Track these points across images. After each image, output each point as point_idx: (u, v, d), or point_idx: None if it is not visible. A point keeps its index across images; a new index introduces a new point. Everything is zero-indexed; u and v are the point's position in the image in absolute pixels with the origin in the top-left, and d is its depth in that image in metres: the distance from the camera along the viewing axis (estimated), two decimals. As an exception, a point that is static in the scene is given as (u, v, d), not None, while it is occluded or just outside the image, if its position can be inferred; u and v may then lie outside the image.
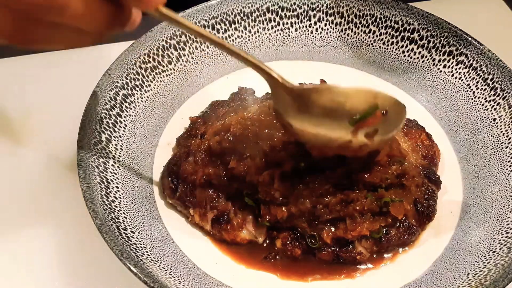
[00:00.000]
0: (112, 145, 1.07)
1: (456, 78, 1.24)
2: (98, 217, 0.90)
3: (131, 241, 0.93)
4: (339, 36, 1.35)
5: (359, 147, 0.90)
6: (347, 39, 1.35)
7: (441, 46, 1.26)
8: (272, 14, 1.33)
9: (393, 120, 0.91)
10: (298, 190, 0.97)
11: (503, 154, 1.11)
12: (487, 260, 0.95)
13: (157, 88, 1.21)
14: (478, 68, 1.20)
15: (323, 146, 0.91)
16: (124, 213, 0.98)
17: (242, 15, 1.31)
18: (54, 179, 1.17)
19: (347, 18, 1.33)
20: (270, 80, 0.87)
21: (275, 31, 1.34)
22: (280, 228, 1.02)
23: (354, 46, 1.35)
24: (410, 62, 1.30)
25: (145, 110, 1.18)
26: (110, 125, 1.09)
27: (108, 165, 1.03)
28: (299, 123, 0.89)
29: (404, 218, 1.01)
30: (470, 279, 0.93)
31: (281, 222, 0.99)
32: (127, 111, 1.14)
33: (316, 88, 0.88)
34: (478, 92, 1.20)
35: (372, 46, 1.33)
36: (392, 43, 1.32)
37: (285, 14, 1.34)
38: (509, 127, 1.12)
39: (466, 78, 1.22)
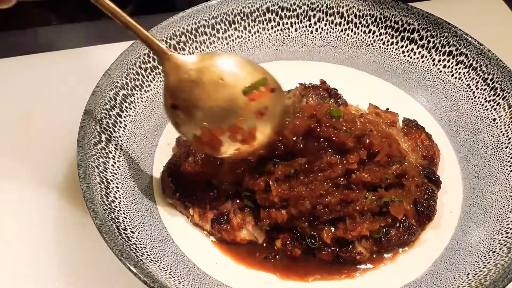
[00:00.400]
0: (112, 145, 1.07)
1: (456, 78, 1.24)
2: (98, 217, 0.90)
3: (131, 241, 0.93)
4: (339, 36, 1.35)
5: (248, 132, 0.91)
6: (347, 39, 1.35)
7: (441, 46, 1.26)
8: (272, 14, 1.33)
9: (277, 103, 0.93)
10: (298, 191, 0.97)
11: (503, 154, 1.11)
12: (487, 260, 0.95)
13: (157, 88, 1.21)
14: (478, 68, 1.20)
15: (217, 123, 0.91)
16: (124, 213, 0.98)
17: (242, 15, 1.31)
18: (54, 179, 1.17)
19: (347, 18, 1.33)
20: (162, 55, 0.89)
21: (275, 31, 1.34)
22: (280, 229, 1.02)
23: (354, 46, 1.34)
24: (410, 62, 1.30)
25: (145, 110, 1.18)
26: (110, 125, 1.09)
27: (108, 165, 1.03)
28: (194, 101, 0.90)
29: (404, 218, 1.01)
30: (470, 279, 0.93)
31: (281, 224, 0.99)
32: (127, 111, 1.14)
33: (211, 55, 0.91)
34: (478, 92, 1.20)
35: (372, 46, 1.33)
36: (392, 43, 1.32)
37: (285, 14, 1.34)
38: (509, 127, 1.12)
39: (466, 78, 1.22)
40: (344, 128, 0.98)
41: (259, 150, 0.95)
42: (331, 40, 1.35)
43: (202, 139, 0.92)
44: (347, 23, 1.34)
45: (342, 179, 0.98)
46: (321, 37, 1.35)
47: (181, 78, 0.90)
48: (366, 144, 0.99)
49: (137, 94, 1.17)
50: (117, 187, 1.02)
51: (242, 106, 0.90)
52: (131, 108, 1.15)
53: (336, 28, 1.35)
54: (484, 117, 1.17)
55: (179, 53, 0.90)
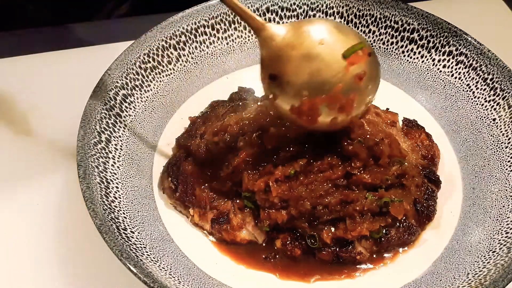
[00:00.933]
0: (112, 145, 1.07)
1: (456, 78, 1.24)
2: (98, 217, 0.90)
3: (131, 241, 0.93)
4: (339, 36, 1.35)
5: (347, 99, 0.89)
6: (347, 39, 1.35)
7: (441, 46, 1.26)
8: (272, 14, 1.33)
9: (373, 68, 0.92)
10: (298, 192, 0.97)
11: (503, 154, 1.11)
12: (487, 260, 0.95)
13: (157, 88, 1.21)
14: (478, 68, 1.20)
15: (315, 92, 0.88)
16: (124, 213, 0.98)
17: (242, 15, 1.30)
18: (54, 179, 1.17)
19: (347, 18, 1.33)
20: (255, 27, 0.88)
21: (275, 31, 1.34)
22: (280, 229, 1.02)
23: (354, 46, 1.34)
24: (410, 62, 1.30)
25: (145, 110, 1.18)
26: (110, 125, 1.09)
27: (108, 165, 1.03)
28: (292, 71, 0.88)
29: (404, 218, 1.01)
30: (470, 279, 0.93)
31: (281, 225, 0.99)
32: (127, 111, 1.14)
33: (305, 22, 0.90)
34: (478, 92, 1.20)
35: (372, 46, 1.33)
36: (392, 43, 1.32)
37: (285, 14, 1.34)
38: (509, 127, 1.12)
39: (466, 78, 1.22)
40: (358, 139, 0.98)
41: (355, 119, 0.94)
42: (331, 40, 1.35)
43: (301, 109, 0.90)
44: (347, 23, 1.34)
45: (342, 179, 0.98)
46: (321, 37, 1.35)
47: (278, 47, 0.88)
48: (376, 154, 0.99)
49: (137, 94, 1.17)
50: (117, 187, 1.02)
51: (342, 70, 0.87)
52: (131, 108, 1.15)
53: (336, 28, 1.34)
54: (484, 117, 1.17)
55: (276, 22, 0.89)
